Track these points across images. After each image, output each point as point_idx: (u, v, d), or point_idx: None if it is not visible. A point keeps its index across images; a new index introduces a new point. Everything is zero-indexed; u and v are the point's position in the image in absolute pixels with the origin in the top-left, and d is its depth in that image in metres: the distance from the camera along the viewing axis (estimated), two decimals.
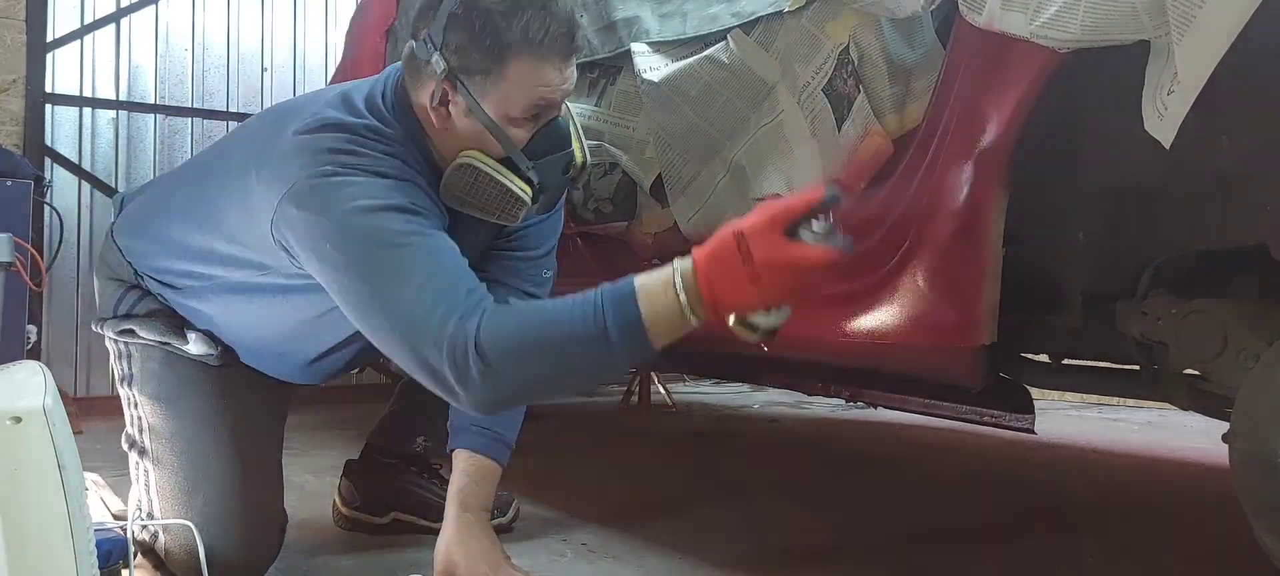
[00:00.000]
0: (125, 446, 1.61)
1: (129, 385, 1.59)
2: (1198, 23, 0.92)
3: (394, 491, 1.90)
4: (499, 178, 1.33)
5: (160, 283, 1.56)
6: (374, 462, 1.92)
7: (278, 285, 1.40)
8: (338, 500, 1.92)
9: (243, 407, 1.57)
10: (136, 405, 1.58)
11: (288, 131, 1.31)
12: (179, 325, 1.55)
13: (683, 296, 1.10)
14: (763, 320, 1.11)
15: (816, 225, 1.08)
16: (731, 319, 1.12)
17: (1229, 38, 0.90)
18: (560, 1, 1.29)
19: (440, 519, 1.58)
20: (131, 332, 1.56)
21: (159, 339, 1.54)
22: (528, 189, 1.35)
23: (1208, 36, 0.91)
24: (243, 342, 1.56)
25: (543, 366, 1.17)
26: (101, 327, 1.60)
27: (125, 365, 1.59)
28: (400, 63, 1.37)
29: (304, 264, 1.28)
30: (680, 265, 1.11)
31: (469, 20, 1.26)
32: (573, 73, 1.34)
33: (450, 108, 1.32)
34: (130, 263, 1.58)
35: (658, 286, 1.12)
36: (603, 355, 1.13)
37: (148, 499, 1.57)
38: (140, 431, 1.58)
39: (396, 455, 1.92)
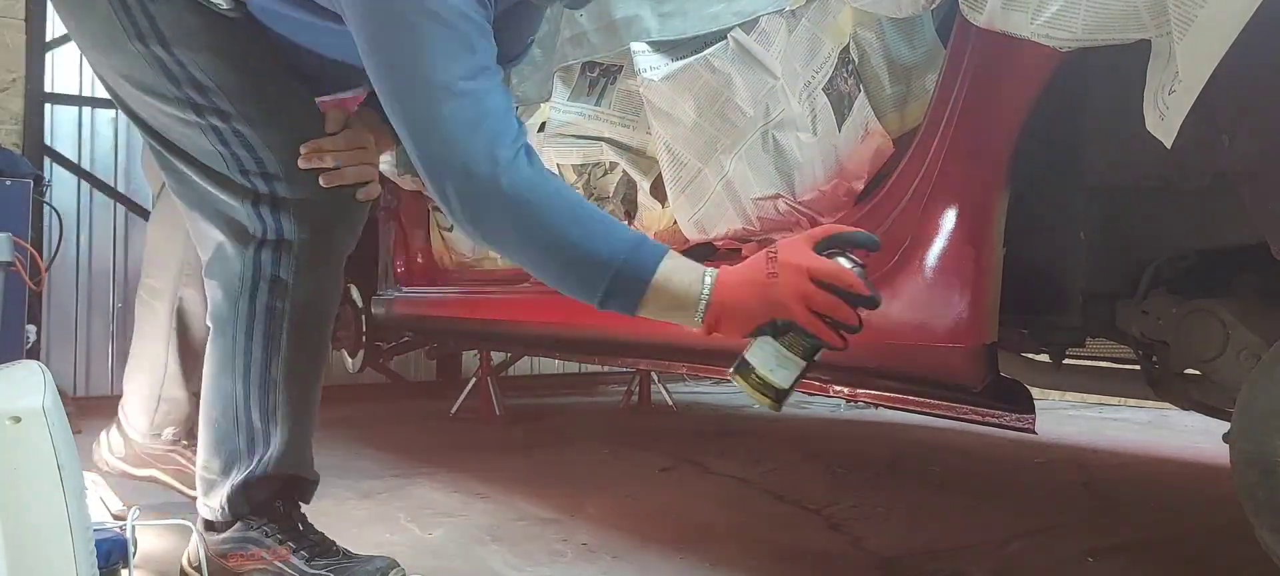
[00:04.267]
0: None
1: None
2: (1199, 22, 0.92)
3: None
4: None
5: None
6: None
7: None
8: None
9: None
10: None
11: None
12: None
13: (704, 297, 1.13)
14: (763, 362, 1.14)
15: (852, 259, 1.14)
16: (735, 375, 1.16)
17: (1229, 37, 0.90)
18: None
19: None
20: None
21: None
22: None
23: (1209, 36, 0.91)
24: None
25: (539, 248, 1.16)
26: None
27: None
28: None
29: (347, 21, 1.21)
30: (713, 271, 1.15)
31: None
32: None
33: None
34: None
35: (683, 277, 1.14)
36: (585, 292, 1.16)
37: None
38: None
39: None
